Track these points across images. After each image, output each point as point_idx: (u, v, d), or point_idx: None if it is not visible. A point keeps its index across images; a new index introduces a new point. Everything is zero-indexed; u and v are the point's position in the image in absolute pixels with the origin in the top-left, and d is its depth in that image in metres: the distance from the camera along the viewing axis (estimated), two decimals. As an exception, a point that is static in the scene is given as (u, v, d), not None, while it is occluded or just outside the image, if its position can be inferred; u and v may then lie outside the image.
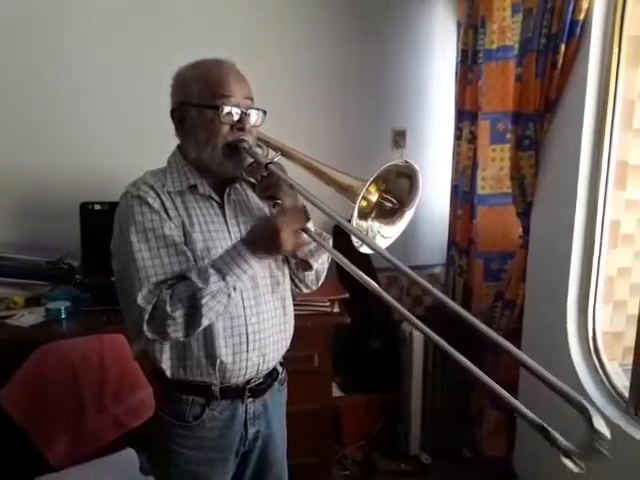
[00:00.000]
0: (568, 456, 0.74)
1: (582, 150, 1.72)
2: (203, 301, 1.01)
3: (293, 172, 1.16)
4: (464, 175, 2.32)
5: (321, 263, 1.24)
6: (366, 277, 0.96)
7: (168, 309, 1.01)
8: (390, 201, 1.10)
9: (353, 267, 0.98)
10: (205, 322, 1.04)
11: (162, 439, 1.17)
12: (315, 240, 1.11)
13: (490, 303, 2.24)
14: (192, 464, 1.16)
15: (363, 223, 1.09)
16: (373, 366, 2.33)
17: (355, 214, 1.02)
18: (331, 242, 1.27)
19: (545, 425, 0.77)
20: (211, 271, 1.03)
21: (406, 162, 1.07)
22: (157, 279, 1.04)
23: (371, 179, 1.02)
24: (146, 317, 1.02)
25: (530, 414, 0.79)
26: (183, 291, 1.02)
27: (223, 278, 1.02)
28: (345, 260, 1.00)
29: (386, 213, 1.11)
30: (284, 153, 1.19)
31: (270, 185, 1.11)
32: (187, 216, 1.11)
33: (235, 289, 1.05)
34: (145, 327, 1.02)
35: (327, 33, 2.34)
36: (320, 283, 1.30)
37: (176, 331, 1.03)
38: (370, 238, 1.07)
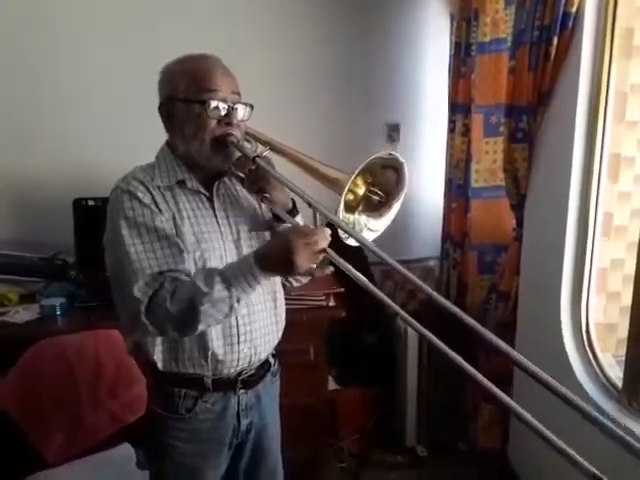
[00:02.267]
0: None
1: (575, 142, 1.72)
2: (202, 307, 0.98)
3: (282, 166, 1.16)
4: (458, 168, 2.32)
5: None
6: (356, 272, 0.95)
7: (168, 305, 1.00)
8: (377, 194, 1.10)
9: (346, 264, 0.97)
10: (201, 327, 1.02)
11: (156, 432, 1.18)
12: (334, 260, 1.01)
13: (484, 295, 2.25)
14: (186, 456, 1.17)
15: (350, 216, 1.09)
16: (369, 359, 2.34)
17: (341, 207, 1.02)
18: None
19: (598, 473, 0.70)
20: (217, 279, 1.00)
21: (391, 154, 1.07)
22: (152, 271, 1.03)
23: (356, 171, 1.02)
24: (143, 308, 1.01)
25: (583, 461, 0.71)
26: (186, 292, 1.00)
27: (228, 288, 0.99)
28: (334, 255, 0.99)
29: (373, 206, 1.11)
30: (272, 147, 1.20)
31: (258, 178, 1.12)
32: (177, 210, 1.12)
33: (239, 301, 1.02)
34: (143, 318, 1.01)
35: (321, 27, 2.33)
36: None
37: (173, 329, 1.03)
38: (357, 231, 1.07)
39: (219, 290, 0.99)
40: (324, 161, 1.14)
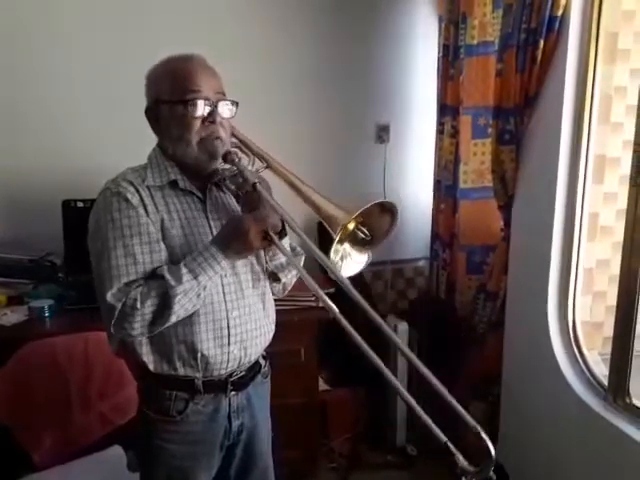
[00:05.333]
0: (464, 474, 0.82)
1: (561, 144, 1.74)
2: (176, 299, 1.03)
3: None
4: (446, 169, 2.34)
5: (290, 278, 1.28)
6: (325, 296, 1.02)
7: (138, 305, 1.02)
8: (363, 233, 1.12)
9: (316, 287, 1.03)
10: (173, 319, 1.06)
11: (147, 435, 1.18)
12: (282, 252, 1.14)
13: (473, 295, 2.27)
14: (177, 459, 1.17)
15: (339, 246, 1.11)
16: (359, 360, 2.34)
17: (333, 247, 1.07)
18: (302, 259, 1.29)
19: (447, 441, 0.84)
20: (184, 270, 1.04)
21: (389, 202, 1.10)
22: (128, 279, 1.05)
23: (355, 214, 1.06)
24: (116, 314, 1.03)
25: (436, 430, 0.86)
26: (155, 288, 1.04)
27: (195, 278, 1.04)
28: (311, 280, 1.06)
29: (358, 241, 1.14)
30: (269, 166, 1.21)
31: (253, 201, 1.12)
32: (167, 212, 1.12)
33: (205, 289, 1.07)
34: (113, 323, 1.04)
35: (310, 30, 2.34)
36: (286, 293, 1.34)
37: (143, 326, 1.05)
38: (338, 269, 1.10)
39: (187, 280, 1.03)
40: (319, 185, 1.16)
